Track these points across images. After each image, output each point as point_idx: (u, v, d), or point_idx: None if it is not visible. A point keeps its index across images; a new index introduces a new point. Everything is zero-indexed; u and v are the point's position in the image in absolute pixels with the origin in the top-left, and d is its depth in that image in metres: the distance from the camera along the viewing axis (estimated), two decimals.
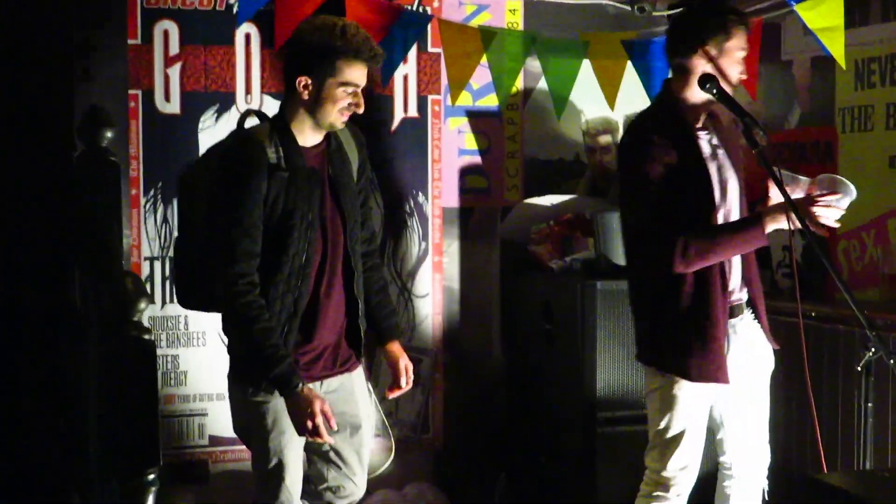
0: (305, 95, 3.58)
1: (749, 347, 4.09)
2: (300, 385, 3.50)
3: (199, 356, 5.17)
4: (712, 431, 4.22)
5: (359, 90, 3.61)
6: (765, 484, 4.28)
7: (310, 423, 3.50)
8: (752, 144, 3.85)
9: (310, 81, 3.57)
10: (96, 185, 2.94)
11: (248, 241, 3.49)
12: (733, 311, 4.04)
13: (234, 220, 3.47)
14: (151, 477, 2.52)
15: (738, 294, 4.07)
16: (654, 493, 4.09)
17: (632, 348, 4.90)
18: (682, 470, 4.05)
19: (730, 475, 4.24)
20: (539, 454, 5.33)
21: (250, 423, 3.65)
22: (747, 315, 4.10)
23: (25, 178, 4.51)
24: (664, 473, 4.05)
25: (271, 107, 5.18)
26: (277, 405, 3.59)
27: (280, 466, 3.66)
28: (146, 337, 2.46)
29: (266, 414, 3.61)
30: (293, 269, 3.59)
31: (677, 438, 4.02)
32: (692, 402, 4.00)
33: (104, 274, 2.65)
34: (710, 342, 3.93)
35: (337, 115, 3.62)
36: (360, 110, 3.64)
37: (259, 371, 3.51)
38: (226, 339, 3.73)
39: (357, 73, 3.58)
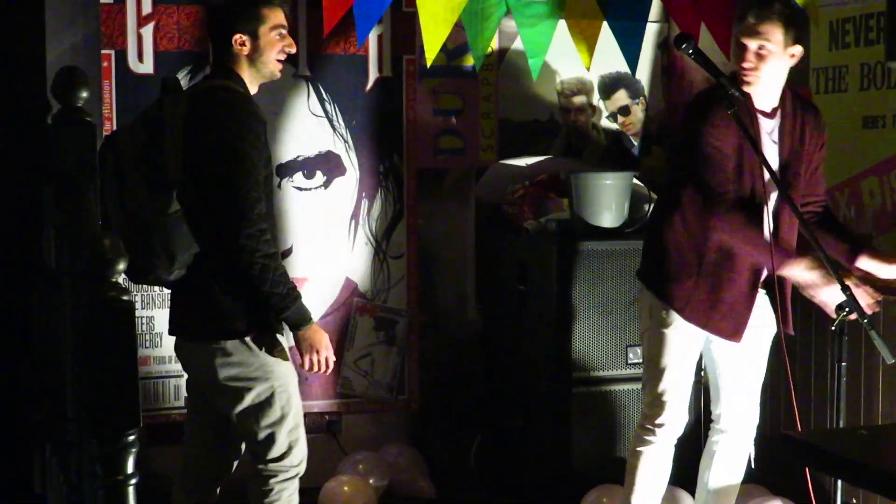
0: (246, 51, 3.78)
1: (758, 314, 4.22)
2: (312, 319, 3.72)
3: None
4: (707, 386, 4.45)
5: (286, 31, 3.82)
6: (751, 449, 4.36)
7: (324, 354, 3.74)
8: (728, 105, 3.88)
9: (244, 37, 3.75)
10: (72, 145, 2.93)
11: (262, 203, 3.65)
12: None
13: (253, 181, 3.61)
14: (132, 438, 2.51)
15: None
16: (646, 426, 4.28)
17: (605, 307, 4.96)
18: (670, 411, 4.23)
19: (719, 430, 4.35)
20: (514, 414, 5.36)
21: (274, 378, 3.75)
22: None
23: None
24: (653, 412, 4.25)
25: None
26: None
27: (299, 413, 3.84)
28: (125, 298, 2.45)
29: (287, 369, 3.79)
30: (272, 217, 3.81)
31: (663, 378, 4.22)
32: (682, 342, 4.19)
33: (81, 234, 2.65)
34: (728, 299, 4.13)
35: (275, 61, 3.82)
36: (293, 50, 3.87)
37: (278, 310, 3.66)
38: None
39: (281, 16, 3.81)
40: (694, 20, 4.99)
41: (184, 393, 5.18)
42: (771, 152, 4.09)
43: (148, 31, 5.08)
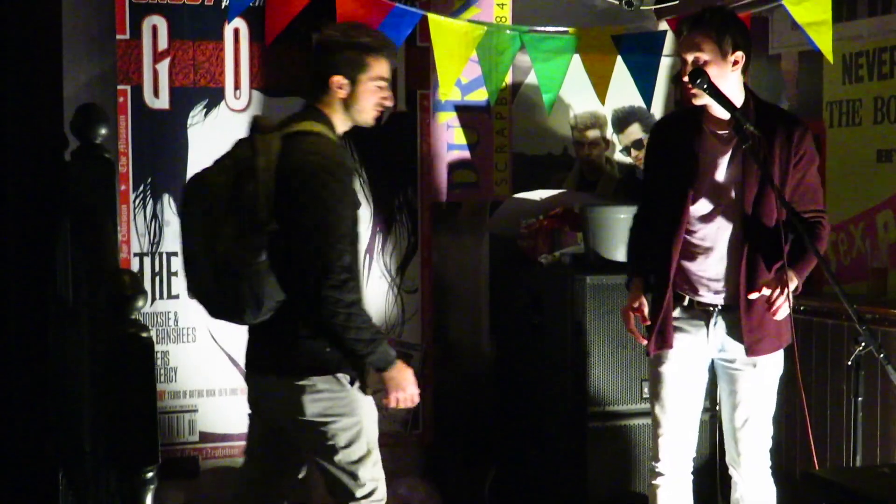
0: (342, 94, 3.76)
1: (723, 349, 4.17)
2: (396, 359, 3.77)
3: (189, 352, 5.16)
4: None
5: (387, 85, 3.81)
6: (771, 488, 4.27)
7: (409, 391, 3.81)
8: (743, 140, 3.89)
9: (344, 80, 3.74)
10: (91, 182, 2.94)
11: (347, 255, 3.63)
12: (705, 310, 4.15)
13: (339, 233, 3.61)
14: (150, 475, 2.52)
15: (708, 295, 4.14)
16: (652, 462, 4.28)
17: (620, 342, 4.95)
18: (664, 447, 4.22)
19: (733, 478, 4.30)
20: (529, 448, 5.35)
21: (361, 414, 3.78)
22: (719, 319, 4.14)
23: (15, 173, 4.49)
24: (654, 449, 4.26)
25: (259, 102, 5.20)
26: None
27: (375, 449, 3.86)
28: (144, 334, 2.46)
29: (370, 403, 3.82)
30: (357, 262, 3.79)
31: (654, 411, 4.24)
32: (671, 378, 4.18)
33: (101, 271, 2.66)
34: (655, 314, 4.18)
35: (371, 110, 3.81)
36: (390, 104, 3.87)
37: (363, 356, 3.68)
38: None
39: (385, 68, 3.81)
40: None
41: (199, 428, 5.20)
42: (724, 169, 4.06)
43: (164, 67, 5.11)
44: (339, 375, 3.73)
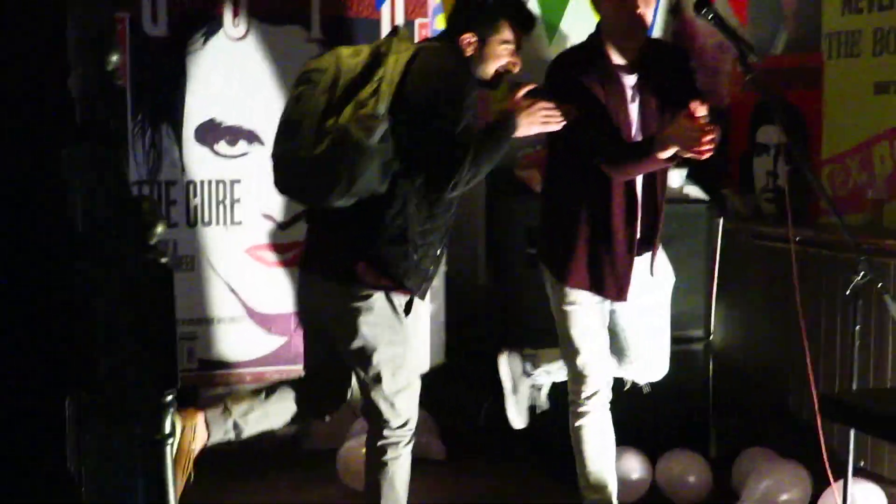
0: (470, 51, 3.85)
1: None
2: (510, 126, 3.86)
3: (187, 280, 5.18)
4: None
5: (514, 49, 3.89)
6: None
7: (540, 113, 3.89)
8: (747, 70, 3.90)
9: (474, 38, 3.84)
10: (105, 109, 2.94)
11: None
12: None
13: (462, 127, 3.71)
14: (170, 398, 2.56)
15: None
16: (577, 401, 4.30)
17: None
18: (595, 381, 4.26)
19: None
20: None
21: (394, 342, 3.83)
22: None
23: (14, 106, 4.47)
24: (579, 387, 4.28)
25: (258, 31, 5.18)
26: None
27: (416, 381, 3.95)
28: (164, 260, 2.49)
29: (417, 335, 3.91)
30: None
31: (581, 353, 4.25)
32: (585, 314, 4.22)
33: (121, 199, 2.67)
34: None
35: (491, 70, 3.89)
36: (516, 69, 3.93)
37: (491, 153, 3.80)
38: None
39: (514, 32, 3.88)
40: None
41: (198, 356, 5.23)
42: (633, 109, 4.08)
43: None
44: (395, 298, 3.79)
